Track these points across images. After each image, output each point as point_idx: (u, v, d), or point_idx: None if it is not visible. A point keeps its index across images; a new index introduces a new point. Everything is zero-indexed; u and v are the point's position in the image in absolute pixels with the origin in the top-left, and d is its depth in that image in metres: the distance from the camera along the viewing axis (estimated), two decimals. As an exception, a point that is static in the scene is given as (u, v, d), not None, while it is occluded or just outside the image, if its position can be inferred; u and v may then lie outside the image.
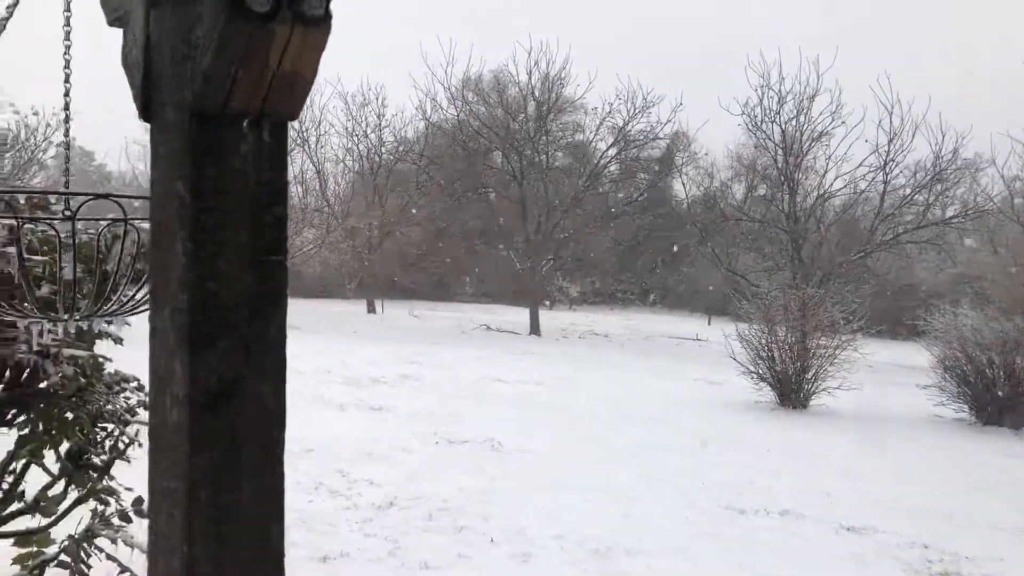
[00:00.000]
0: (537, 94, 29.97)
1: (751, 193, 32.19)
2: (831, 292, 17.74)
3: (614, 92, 29.78)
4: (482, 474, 9.20)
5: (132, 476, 3.71)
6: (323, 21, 1.12)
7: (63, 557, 3.10)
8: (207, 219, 1.13)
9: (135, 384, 3.70)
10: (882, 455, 11.78)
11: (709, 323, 35.80)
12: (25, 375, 3.19)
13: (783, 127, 25.62)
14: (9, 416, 3.20)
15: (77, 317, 1.64)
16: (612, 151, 31.46)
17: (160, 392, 1.19)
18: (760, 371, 15.42)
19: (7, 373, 3.18)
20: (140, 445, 3.42)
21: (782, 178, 26.09)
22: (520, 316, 31.19)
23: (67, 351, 3.12)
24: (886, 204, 25.64)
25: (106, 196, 1.58)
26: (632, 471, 9.53)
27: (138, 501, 3.32)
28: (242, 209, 1.16)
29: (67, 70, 1.73)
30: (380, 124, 32.66)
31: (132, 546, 3.16)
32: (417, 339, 24.25)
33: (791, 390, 15.16)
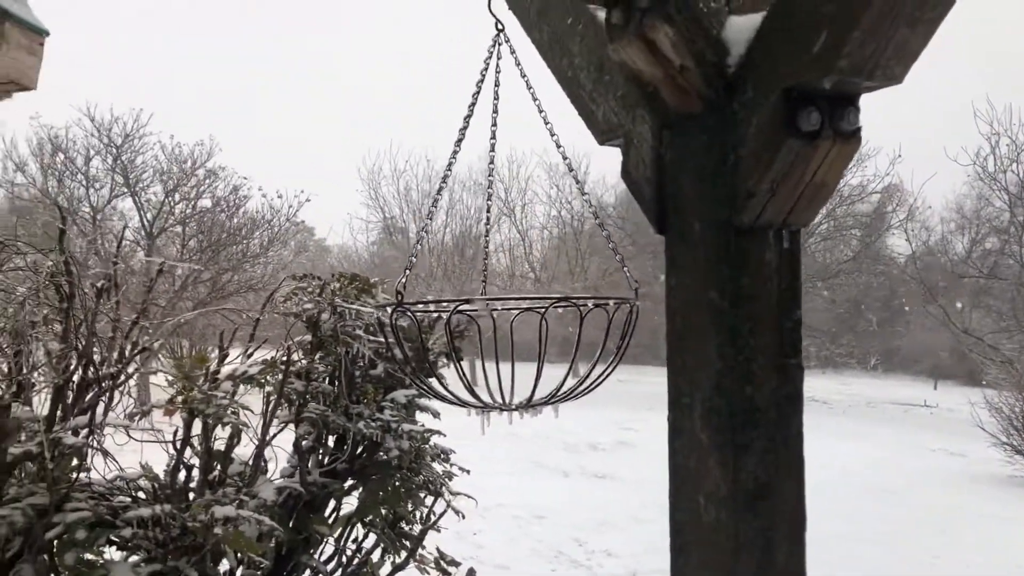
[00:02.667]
0: (740, 152, 29.49)
1: (976, 246, 29.87)
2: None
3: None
4: (721, 548, 8.89)
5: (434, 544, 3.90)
6: (856, 135, 1.17)
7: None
8: (742, 326, 1.19)
9: (442, 456, 3.90)
10: None
11: (935, 387, 33.23)
12: (365, 448, 3.45)
13: (1021, 176, 23.68)
14: (348, 485, 3.45)
15: (514, 406, 1.75)
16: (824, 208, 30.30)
17: (687, 489, 1.24)
18: (1014, 442, 14.06)
19: (347, 445, 3.45)
20: (463, 517, 3.58)
21: (1020, 231, 24.02)
22: (728, 380, 30.21)
23: (405, 426, 3.35)
24: None
25: (570, 299, 1.70)
26: (888, 549, 8.91)
27: (471, 573, 3.46)
28: (768, 315, 1.21)
29: (491, 177, 1.89)
30: (582, 191, 33.40)
31: (467, 616, 3.29)
32: (628, 404, 24.07)
33: (1053, 464, 13.71)
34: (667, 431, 1.29)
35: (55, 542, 2.78)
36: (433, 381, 2.01)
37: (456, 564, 3.45)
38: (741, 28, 1.20)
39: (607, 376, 1.85)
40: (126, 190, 19.74)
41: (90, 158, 19.90)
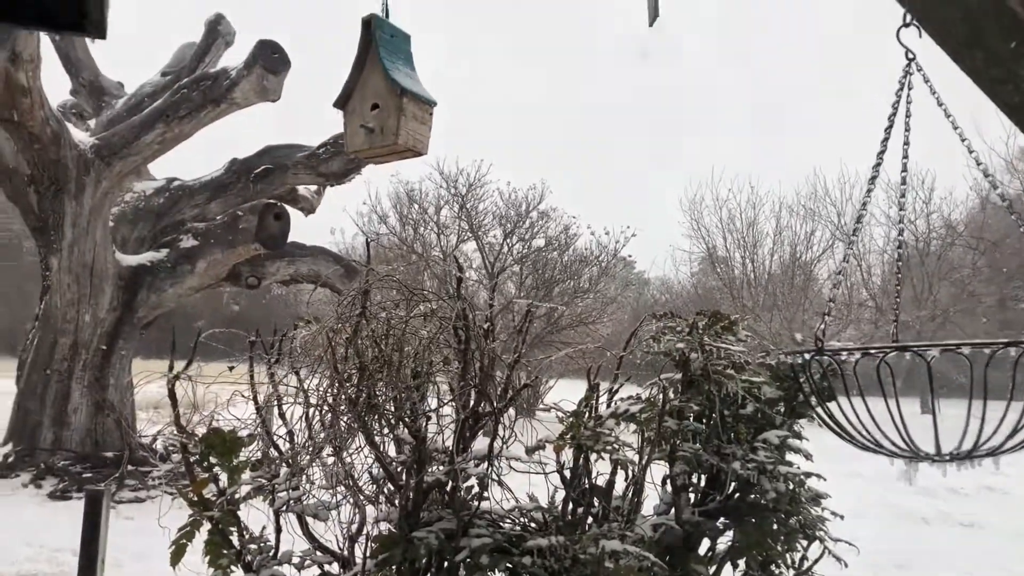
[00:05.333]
0: None
1: None
2: None
3: None
4: None
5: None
6: None
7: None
8: None
9: (816, 499, 3.73)
10: None
11: None
12: (737, 487, 3.41)
13: None
14: (721, 525, 3.43)
15: (948, 456, 1.63)
16: None
17: None
18: None
19: (721, 485, 3.43)
20: (846, 565, 3.40)
21: None
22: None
23: (782, 468, 3.26)
24: None
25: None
26: None
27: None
28: None
29: (901, 215, 1.80)
30: (927, 209, 30.54)
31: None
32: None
33: None
34: None
35: (460, 564, 3.05)
36: (849, 426, 1.92)
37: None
38: None
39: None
40: (470, 234, 21.55)
41: (440, 207, 22.09)
